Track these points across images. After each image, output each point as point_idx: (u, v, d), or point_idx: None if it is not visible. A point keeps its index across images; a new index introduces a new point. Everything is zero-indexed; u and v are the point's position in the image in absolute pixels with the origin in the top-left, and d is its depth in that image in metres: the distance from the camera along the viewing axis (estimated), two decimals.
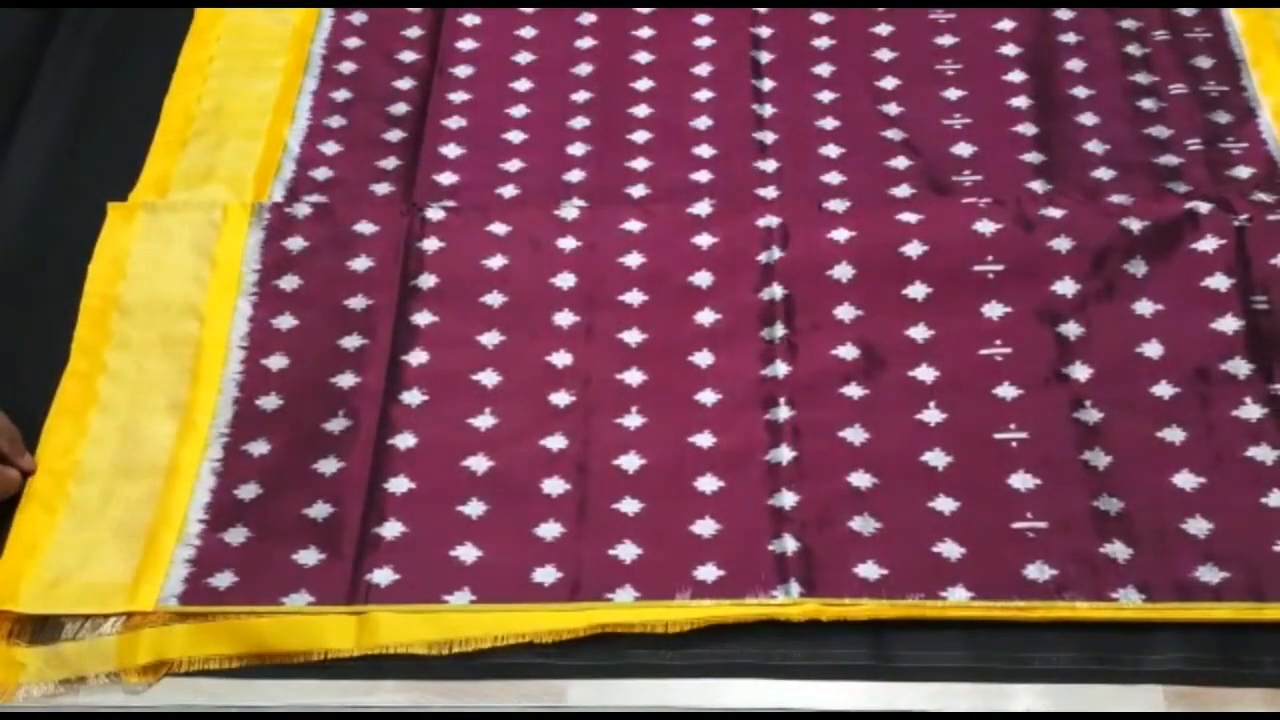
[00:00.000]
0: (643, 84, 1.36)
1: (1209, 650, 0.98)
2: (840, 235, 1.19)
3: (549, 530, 1.06)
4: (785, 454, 1.08)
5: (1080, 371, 1.11)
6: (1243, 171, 1.23)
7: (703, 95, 1.34)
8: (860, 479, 1.07)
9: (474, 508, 1.07)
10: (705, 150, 1.29)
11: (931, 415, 1.10)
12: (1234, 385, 1.10)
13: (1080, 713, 0.96)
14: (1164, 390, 1.10)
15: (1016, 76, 1.33)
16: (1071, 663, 0.98)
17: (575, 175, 1.29)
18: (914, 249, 1.18)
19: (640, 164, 1.29)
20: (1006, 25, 1.37)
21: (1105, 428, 1.08)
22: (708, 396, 1.12)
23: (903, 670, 0.98)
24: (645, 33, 1.40)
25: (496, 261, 1.21)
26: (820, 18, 1.39)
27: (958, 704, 0.97)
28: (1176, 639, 0.98)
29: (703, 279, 1.19)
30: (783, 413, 1.11)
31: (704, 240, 1.21)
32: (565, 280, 1.19)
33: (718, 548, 1.04)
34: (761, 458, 1.09)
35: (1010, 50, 1.35)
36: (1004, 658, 0.98)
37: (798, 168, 1.27)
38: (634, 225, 1.22)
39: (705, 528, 1.05)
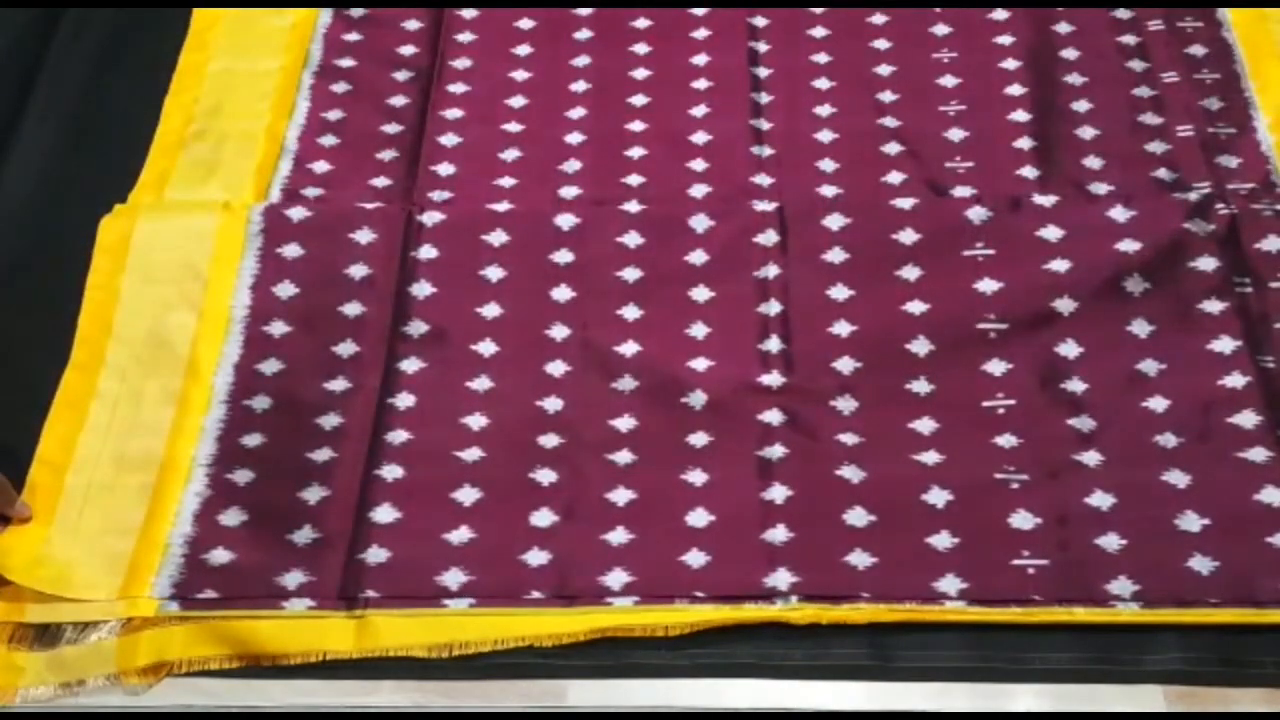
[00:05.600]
0: (640, 73, 1.32)
1: (1209, 650, 0.94)
2: (835, 222, 1.17)
3: (542, 518, 1.03)
4: (778, 450, 1.05)
5: (1075, 367, 1.08)
6: (1231, 161, 1.20)
7: (700, 84, 1.30)
8: (851, 472, 1.04)
9: (466, 494, 1.05)
10: (701, 137, 1.26)
11: (925, 424, 1.06)
12: (1222, 360, 1.07)
13: (1080, 713, 0.93)
14: (1154, 380, 1.07)
15: (1011, 64, 1.29)
16: (1071, 663, 0.95)
17: (572, 165, 1.25)
18: (907, 236, 1.15)
19: (637, 152, 1.25)
20: (1001, 14, 1.33)
21: (1098, 423, 1.05)
22: (698, 398, 1.09)
23: (903, 670, 0.95)
24: (642, 24, 1.36)
25: (494, 273, 1.17)
26: (817, 8, 1.35)
27: (958, 704, 0.94)
28: (1176, 639, 0.95)
29: (700, 293, 1.15)
30: (776, 416, 1.07)
31: (700, 224, 1.18)
32: (562, 294, 1.15)
33: (708, 536, 1.02)
34: (754, 452, 1.05)
35: (1006, 40, 1.31)
36: (1004, 658, 0.95)
37: (793, 156, 1.24)
38: (631, 216, 1.19)
39: (697, 518, 1.02)
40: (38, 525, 1.03)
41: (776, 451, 1.05)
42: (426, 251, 1.17)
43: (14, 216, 1.24)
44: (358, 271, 1.16)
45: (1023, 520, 1.00)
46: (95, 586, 1.00)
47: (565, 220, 1.18)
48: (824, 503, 1.02)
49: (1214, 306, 1.09)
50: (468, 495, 1.04)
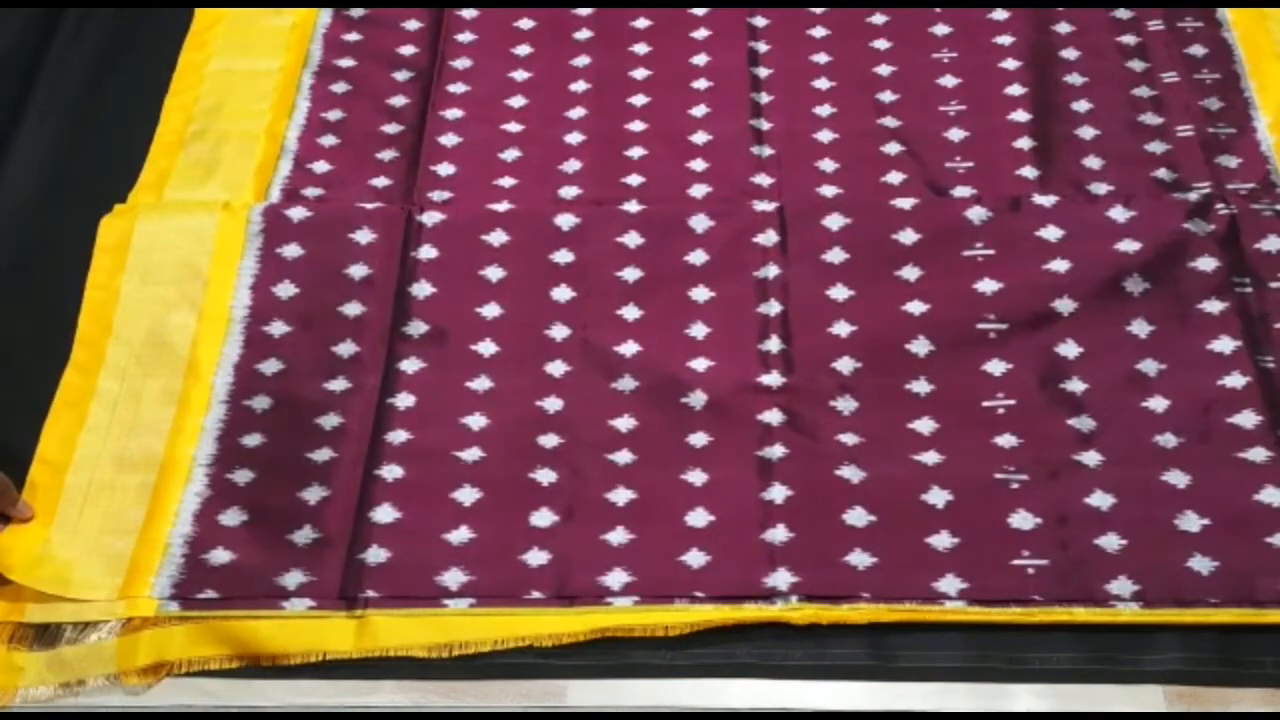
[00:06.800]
0: (640, 73, 1.31)
1: (1209, 650, 0.94)
2: (835, 222, 1.16)
3: (542, 518, 1.03)
4: (778, 450, 1.05)
5: (1074, 367, 1.08)
6: (1231, 161, 1.19)
7: (700, 84, 1.30)
8: (851, 472, 1.04)
9: (466, 494, 1.04)
10: (701, 137, 1.25)
11: (925, 424, 1.06)
12: (1222, 360, 1.07)
13: (1080, 713, 0.93)
14: (1154, 380, 1.07)
15: (1011, 64, 1.29)
16: (1071, 663, 0.94)
17: (572, 165, 1.24)
18: (907, 236, 1.15)
19: (637, 152, 1.25)
20: (1001, 15, 1.32)
21: (1098, 423, 1.05)
22: (698, 398, 1.08)
23: (903, 670, 0.95)
24: (642, 24, 1.35)
25: (494, 273, 1.17)
26: (817, 8, 1.35)
27: (958, 704, 0.94)
28: (1176, 639, 0.95)
29: (700, 293, 1.15)
30: (776, 416, 1.07)
31: (700, 224, 1.17)
32: (562, 294, 1.15)
33: (708, 536, 1.01)
34: (754, 452, 1.05)
35: (1006, 40, 1.31)
36: (1004, 658, 0.95)
37: (793, 156, 1.24)
38: (631, 216, 1.19)
39: (697, 518, 1.02)
40: (38, 525, 1.03)
41: (776, 451, 1.05)
42: (426, 251, 1.17)
43: (14, 216, 1.23)
44: (358, 271, 1.16)
45: (1022, 520, 1.00)
46: (95, 586, 1.00)
47: (565, 220, 1.18)
48: (824, 503, 1.02)
49: (1214, 306, 1.09)
50: (468, 495, 1.04)
